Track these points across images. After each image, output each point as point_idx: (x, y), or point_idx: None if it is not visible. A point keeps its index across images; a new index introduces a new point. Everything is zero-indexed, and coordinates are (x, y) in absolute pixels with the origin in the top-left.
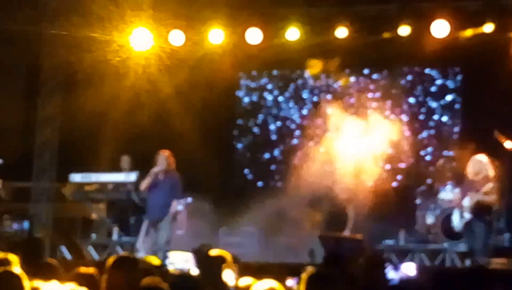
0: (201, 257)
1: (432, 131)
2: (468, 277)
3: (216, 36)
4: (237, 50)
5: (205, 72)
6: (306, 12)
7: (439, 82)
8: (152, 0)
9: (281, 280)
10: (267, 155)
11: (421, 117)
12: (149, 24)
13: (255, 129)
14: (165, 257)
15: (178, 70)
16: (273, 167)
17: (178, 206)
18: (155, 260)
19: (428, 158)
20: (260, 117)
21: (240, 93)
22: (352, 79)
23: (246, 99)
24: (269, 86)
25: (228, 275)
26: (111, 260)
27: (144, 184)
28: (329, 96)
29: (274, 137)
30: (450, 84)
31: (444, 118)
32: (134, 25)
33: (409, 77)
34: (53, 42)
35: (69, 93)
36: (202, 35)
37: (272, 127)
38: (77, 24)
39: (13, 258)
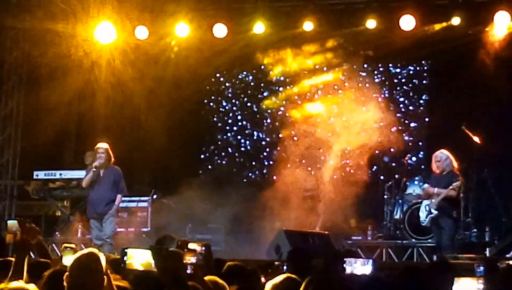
0: (159, 253)
1: (400, 126)
2: (429, 272)
3: (182, 30)
4: (203, 45)
5: (172, 66)
6: (272, 6)
7: (407, 76)
8: None
9: None
10: (234, 151)
11: (389, 111)
12: (113, 17)
13: (222, 124)
14: (123, 255)
15: (144, 64)
16: (240, 162)
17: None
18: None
19: (396, 153)
20: (228, 112)
21: (207, 88)
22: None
23: (214, 94)
24: (236, 82)
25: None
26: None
27: (85, 181)
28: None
29: (242, 132)
30: (418, 79)
31: (412, 113)
32: (98, 18)
33: (378, 72)
34: (16, 36)
35: (32, 88)
36: (168, 29)
37: (240, 122)
38: (40, 17)
39: None
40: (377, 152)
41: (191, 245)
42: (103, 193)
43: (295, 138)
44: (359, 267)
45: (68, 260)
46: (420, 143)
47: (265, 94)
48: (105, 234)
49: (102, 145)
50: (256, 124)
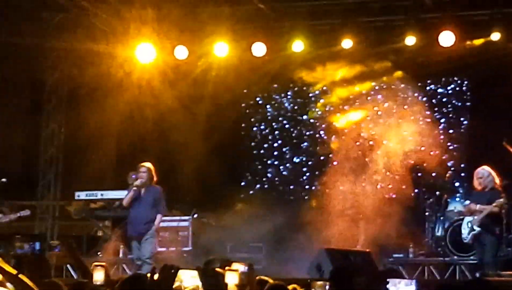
0: (205, 274)
1: (441, 144)
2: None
3: (221, 49)
4: (242, 64)
5: (211, 86)
6: (311, 24)
7: (447, 92)
8: (156, 14)
9: None
10: (273, 170)
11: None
12: (153, 38)
13: (261, 144)
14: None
15: (183, 84)
16: (279, 181)
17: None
18: None
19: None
20: (267, 132)
21: (246, 107)
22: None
23: (252, 113)
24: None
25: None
26: (120, 280)
27: (125, 200)
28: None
29: (280, 150)
30: (457, 94)
31: (451, 130)
32: (138, 39)
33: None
34: (57, 56)
35: (72, 108)
36: (207, 48)
37: (279, 141)
38: (81, 38)
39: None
40: (417, 168)
41: (235, 265)
42: (143, 212)
43: (334, 159)
44: (403, 287)
45: (98, 277)
46: (461, 159)
47: (304, 116)
48: (144, 255)
49: (145, 164)
50: (295, 145)
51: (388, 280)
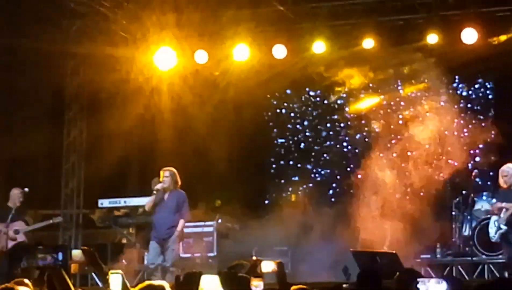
0: (228, 278)
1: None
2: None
3: (241, 52)
4: (263, 67)
5: (231, 90)
6: (332, 25)
7: (472, 90)
8: (176, 19)
9: None
10: (297, 174)
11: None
12: (173, 42)
13: (285, 147)
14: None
15: (204, 89)
16: (304, 185)
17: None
18: None
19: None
20: (290, 135)
21: (269, 111)
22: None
23: (274, 117)
24: (298, 105)
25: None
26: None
27: (147, 204)
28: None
29: (304, 155)
30: (482, 92)
31: (478, 127)
32: (158, 44)
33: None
34: (77, 63)
35: (93, 115)
36: (227, 52)
37: (302, 145)
38: (101, 44)
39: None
40: (443, 167)
41: (264, 263)
42: (166, 217)
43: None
44: (433, 286)
45: (114, 285)
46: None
47: (328, 116)
48: (167, 263)
49: (168, 168)
50: (320, 147)
51: (418, 280)
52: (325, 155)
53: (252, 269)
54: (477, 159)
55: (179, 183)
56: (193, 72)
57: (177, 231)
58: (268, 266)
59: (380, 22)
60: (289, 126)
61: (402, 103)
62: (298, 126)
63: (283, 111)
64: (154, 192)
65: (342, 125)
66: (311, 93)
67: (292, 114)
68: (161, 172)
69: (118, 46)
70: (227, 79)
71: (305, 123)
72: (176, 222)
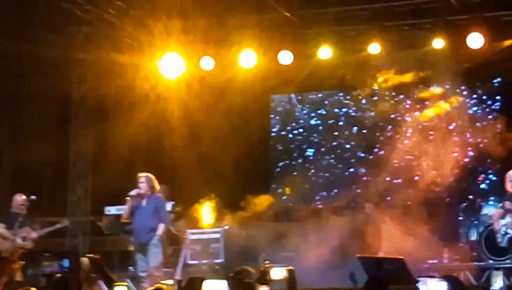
0: (235, 283)
1: (473, 146)
2: None
3: (248, 58)
4: (269, 73)
5: (238, 96)
6: (338, 30)
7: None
8: (182, 25)
9: None
10: (303, 179)
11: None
12: (179, 49)
13: (290, 154)
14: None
15: (210, 95)
16: (311, 191)
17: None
18: None
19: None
20: (295, 140)
21: (273, 116)
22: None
23: (280, 122)
24: (303, 109)
25: None
26: None
27: (124, 213)
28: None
29: (309, 160)
30: (488, 97)
31: (484, 131)
32: (164, 50)
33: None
34: (83, 69)
35: (100, 122)
36: (233, 58)
37: (308, 151)
38: (107, 50)
39: None
40: (449, 173)
41: (275, 270)
42: (144, 221)
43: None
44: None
45: None
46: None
47: (339, 122)
48: (150, 266)
49: (143, 174)
50: (325, 154)
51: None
52: (331, 161)
53: (262, 275)
54: (484, 164)
55: (157, 188)
56: (199, 78)
57: (157, 235)
58: (278, 273)
59: (386, 27)
60: (295, 132)
61: (407, 107)
62: (305, 130)
63: (289, 116)
64: (128, 198)
65: (348, 131)
66: (318, 99)
67: (298, 119)
68: (138, 178)
69: (124, 53)
70: (234, 85)
71: (312, 128)
72: (155, 226)
